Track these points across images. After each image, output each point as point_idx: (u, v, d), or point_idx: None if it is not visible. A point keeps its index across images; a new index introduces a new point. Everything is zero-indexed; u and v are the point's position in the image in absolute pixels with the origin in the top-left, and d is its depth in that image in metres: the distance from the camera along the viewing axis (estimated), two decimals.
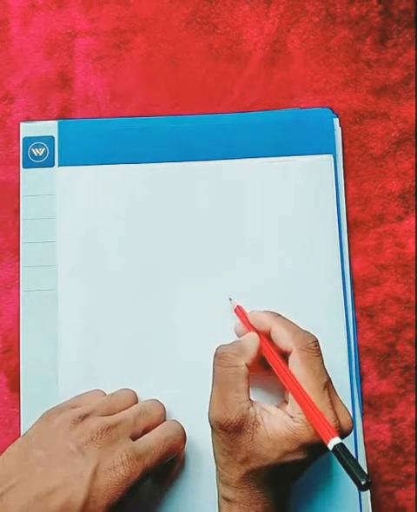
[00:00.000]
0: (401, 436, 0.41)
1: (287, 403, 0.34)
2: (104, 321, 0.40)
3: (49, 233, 0.42)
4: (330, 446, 0.31)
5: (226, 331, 0.40)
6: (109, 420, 0.34)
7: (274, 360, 0.35)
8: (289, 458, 0.32)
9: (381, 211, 0.43)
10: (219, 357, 0.35)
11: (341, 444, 0.30)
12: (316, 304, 0.41)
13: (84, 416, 0.34)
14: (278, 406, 0.35)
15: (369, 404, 0.41)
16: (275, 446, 0.32)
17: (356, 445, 0.40)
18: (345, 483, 0.39)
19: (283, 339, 0.35)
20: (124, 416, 0.35)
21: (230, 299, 0.40)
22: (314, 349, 0.34)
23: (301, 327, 0.36)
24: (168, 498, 0.38)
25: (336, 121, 0.43)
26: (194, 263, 0.41)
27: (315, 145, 0.42)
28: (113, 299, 0.41)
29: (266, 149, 0.42)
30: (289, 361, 0.34)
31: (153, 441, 0.35)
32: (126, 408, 0.37)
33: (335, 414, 0.32)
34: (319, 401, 0.32)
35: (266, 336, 0.36)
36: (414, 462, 0.41)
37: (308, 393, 0.32)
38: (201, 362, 0.38)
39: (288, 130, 0.43)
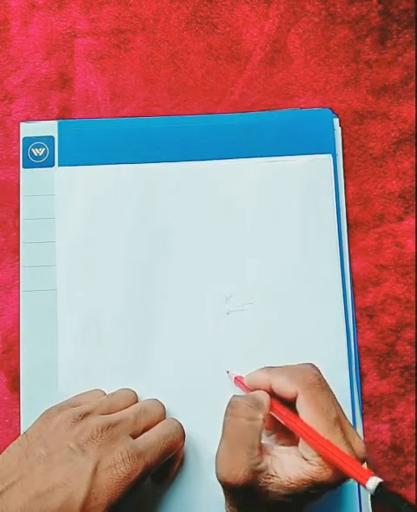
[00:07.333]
0: (401, 436, 0.41)
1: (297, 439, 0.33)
2: (104, 321, 0.40)
3: (49, 232, 0.41)
4: (371, 487, 0.28)
5: (224, 332, 0.40)
6: (110, 418, 0.34)
7: (279, 411, 0.34)
8: (306, 495, 0.31)
9: (381, 211, 0.43)
10: (233, 406, 0.33)
11: (382, 483, 0.28)
12: (316, 304, 0.41)
13: (85, 415, 0.34)
14: (288, 444, 0.34)
15: (369, 404, 0.41)
16: (291, 492, 0.31)
17: None
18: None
19: (284, 386, 0.33)
20: (125, 415, 0.35)
21: (228, 372, 0.39)
22: (317, 384, 0.33)
23: (296, 365, 0.35)
24: (169, 498, 0.38)
25: (336, 121, 0.43)
26: (193, 263, 0.41)
27: (315, 145, 0.42)
28: (113, 299, 0.41)
29: (266, 149, 0.42)
30: (297, 405, 0.33)
31: (153, 438, 0.34)
32: (126, 407, 0.37)
33: (351, 448, 0.31)
34: (332, 438, 0.31)
35: (268, 392, 0.35)
36: (414, 462, 0.41)
37: (321, 433, 0.31)
38: (201, 362, 0.38)
39: (288, 130, 0.42)
